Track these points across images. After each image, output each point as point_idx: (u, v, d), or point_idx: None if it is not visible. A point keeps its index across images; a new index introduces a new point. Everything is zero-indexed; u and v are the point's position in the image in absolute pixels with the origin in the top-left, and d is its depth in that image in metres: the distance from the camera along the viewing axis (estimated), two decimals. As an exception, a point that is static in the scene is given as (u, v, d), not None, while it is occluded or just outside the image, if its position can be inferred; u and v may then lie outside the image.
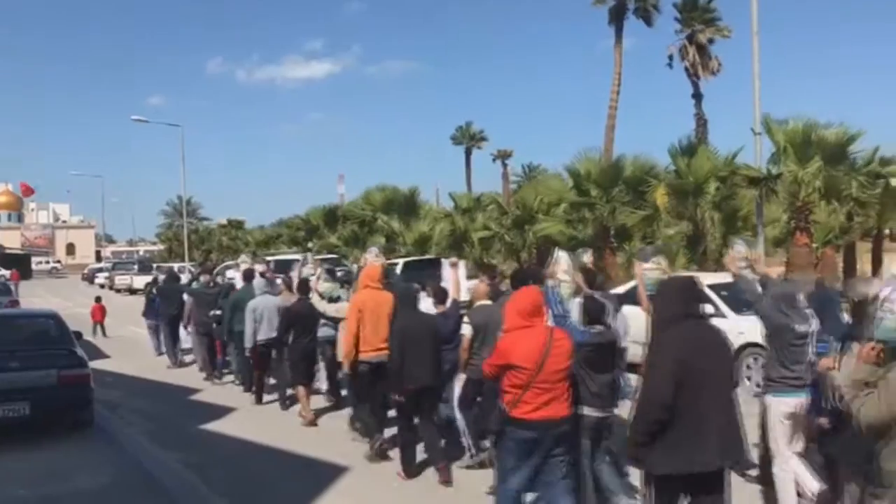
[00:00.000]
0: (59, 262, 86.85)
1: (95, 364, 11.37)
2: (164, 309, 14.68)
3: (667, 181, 19.08)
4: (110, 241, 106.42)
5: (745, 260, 6.17)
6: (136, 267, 43.31)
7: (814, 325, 5.52)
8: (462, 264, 9.77)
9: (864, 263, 21.57)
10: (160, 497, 6.87)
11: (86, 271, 60.53)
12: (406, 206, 29.42)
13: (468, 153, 65.39)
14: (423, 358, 6.78)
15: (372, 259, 9.73)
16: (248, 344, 10.54)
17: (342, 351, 8.05)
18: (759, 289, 5.96)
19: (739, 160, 17.72)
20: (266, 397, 10.71)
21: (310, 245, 36.83)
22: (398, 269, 18.28)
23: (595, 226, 19.96)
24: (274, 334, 10.13)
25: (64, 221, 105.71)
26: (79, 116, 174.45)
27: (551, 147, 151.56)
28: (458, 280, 8.45)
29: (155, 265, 36.60)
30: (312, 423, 9.33)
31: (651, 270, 6.43)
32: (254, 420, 9.78)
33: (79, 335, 10.69)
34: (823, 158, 15.88)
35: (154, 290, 15.87)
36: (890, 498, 3.59)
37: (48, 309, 12.17)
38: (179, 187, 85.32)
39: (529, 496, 5.24)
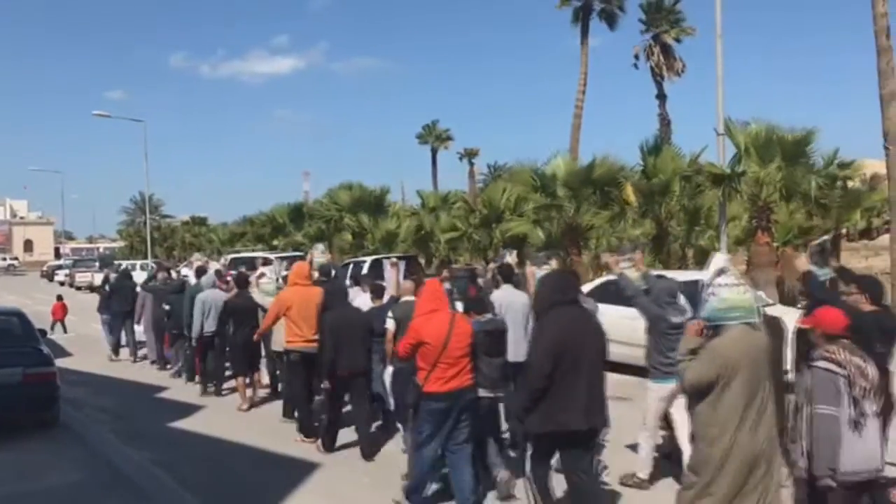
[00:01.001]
0: (16, 259, 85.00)
1: (59, 362, 11.22)
2: (116, 305, 15.06)
3: (633, 180, 19.33)
4: (70, 237, 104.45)
5: (628, 260, 6.95)
6: (97, 264, 42.66)
7: (689, 316, 5.99)
8: (401, 264, 10.57)
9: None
10: (131, 494, 6.83)
11: (45, 268, 59.41)
12: (374, 204, 29.38)
13: (434, 152, 65.53)
14: (352, 347, 7.45)
15: (318, 256, 10.95)
16: (194, 335, 11.16)
17: (281, 341, 8.80)
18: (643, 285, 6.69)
19: (703, 160, 18.02)
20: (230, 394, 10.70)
21: (275, 242, 36.61)
22: (365, 267, 18.31)
23: (562, 226, 20.13)
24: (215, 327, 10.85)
25: (21, 218, 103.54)
26: (37, 110, 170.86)
27: (517, 146, 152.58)
28: (397, 278, 9.15)
29: (116, 262, 36.08)
30: (247, 410, 10.05)
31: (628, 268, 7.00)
32: (222, 417, 9.76)
33: (43, 333, 10.58)
34: (783, 158, 16.24)
35: (107, 287, 16.11)
36: (708, 453, 4.32)
37: (12, 307, 11.98)
38: (142, 183, 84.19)
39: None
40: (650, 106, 43.74)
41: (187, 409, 10.24)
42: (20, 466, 7.78)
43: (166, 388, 11.94)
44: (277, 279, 12.26)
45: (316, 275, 10.15)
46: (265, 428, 9.03)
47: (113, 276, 16.77)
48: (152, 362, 13.87)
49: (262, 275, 10.90)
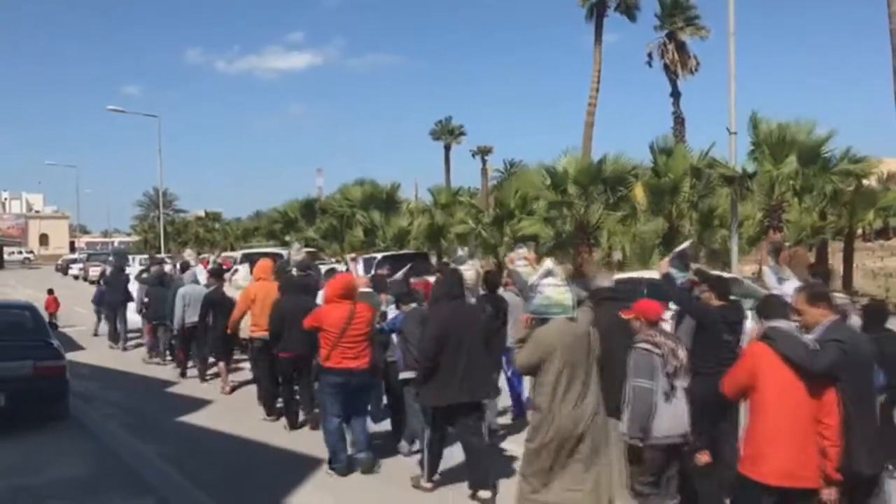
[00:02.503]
0: (31, 252, 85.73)
1: (70, 356, 11.29)
2: (109, 297, 16.19)
3: (644, 179, 19.27)
4: (85, 231, 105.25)
5: (524, 259, 7.26)
6: (111, 258, 42.89)
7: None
8: (361, 259, 11.27)
9: (836, 262, 21.94)
10: (139, 488, 6.87)
11: (59, 262, 59.82)
12: (386, 201, 29.41)
13: (447, 148, 65.49)
14: (298, 333, 7.69)
15: (294, 253, 12.05)
16: (175, 325, 12.05)
17: (249, 329, 9.53)
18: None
19: (715, 157, 17.92)
20: (238, 389, 10.74)
21: (287, 238, 36.74)
22: (375, 263, 18.31)
23: (573, 224, 20.10)
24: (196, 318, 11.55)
25: (37, 212, 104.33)
26: (53, 105, 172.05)
27: (531, 143, 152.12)
28: (356, 272, 9.71)
29: (130, 257, 36.25)
30: (230, 393, 10.86)
31: (466, 271, 7.70)
32: (231, 413, 9.79)
33: (54, 327, 10.66)
34: (797, 158, 16.13)
35: (102, 281, 17.32)
36: (538, 420, 5.16)
37: (24, 300, 12.08)
38: (156, 178, 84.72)
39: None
40: (664, 104, 43.62)
41: (196, 404, 10.29)
42: (29, 458, 7.84)
43: (175, 382, 12.00)
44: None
45: (295, 271, 11.21)
46: (271, 424, 9.05)
47: (108, 269, 17.80)
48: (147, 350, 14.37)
49: (236, 270, 11.50)
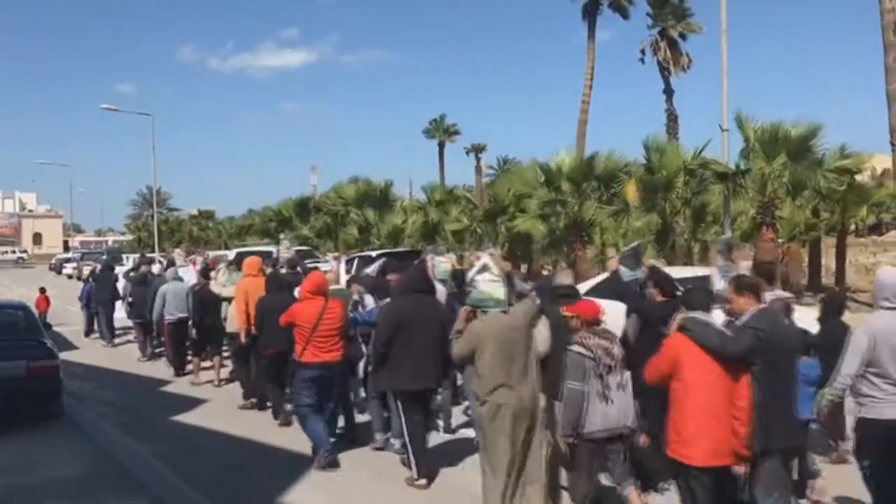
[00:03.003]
0: (25, 251, 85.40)
1: (64, 355, 11.31)
2: (97, 294, 16.62)
3: (637, 176, 19.30)
4: (78, 230, 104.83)
5: (489, 255, 7.14)
6: (105, 257, 42.80)
7: None
8: (343, 258, 11.51)
9: (828, 259, 22.02)
10: (133, 487, 6.88)
11: (53, 261, 59.64)
12: (380, 199, 29.39)
13: (441, 146, 65.51)
14: (279, 329, 7.70)
15: (283, 251, 12.42)
16: (154, 321, 12.51)
17: (235, 324, 9.75)
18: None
19: (707, 155, 17.99)
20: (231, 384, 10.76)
21: (281, 237, 36.70)
22: (355, 261, 18.33)
23: (566, 221, 20.12)
24: (180, 314, 11.91)
25: (30, 211, 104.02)
26: (46, 104, 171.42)
27: (526, 141, 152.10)
28: (338, 270, 9.88)
29: (124, 255, 36.21)
30: (218, 385, 11.31)
31: (442, 262, 8.02)
32: (225, 411, 9.79)
33: (48, 326, 10.65)
34: (788, 154, 16.18)
35: (91, 279, 17.92)
36: (481, 415, 5.39)
37: (17, 300, 12.07)
38: (149, 177, 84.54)
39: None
40: (658, 101, 43.71)
41: (190, 403, 10.29)
42: (24, 458, 7.85)
43: (170, 381, 12.01)
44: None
45: (284, 269, 11.54)
46: (266, 423, 9.06)
47: (98, 267, 18.43)
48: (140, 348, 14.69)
49: (218, 270, 11.80)
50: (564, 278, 6.69)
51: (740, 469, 4.47)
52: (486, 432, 5.33)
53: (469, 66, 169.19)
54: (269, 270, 10.67)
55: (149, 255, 28.20)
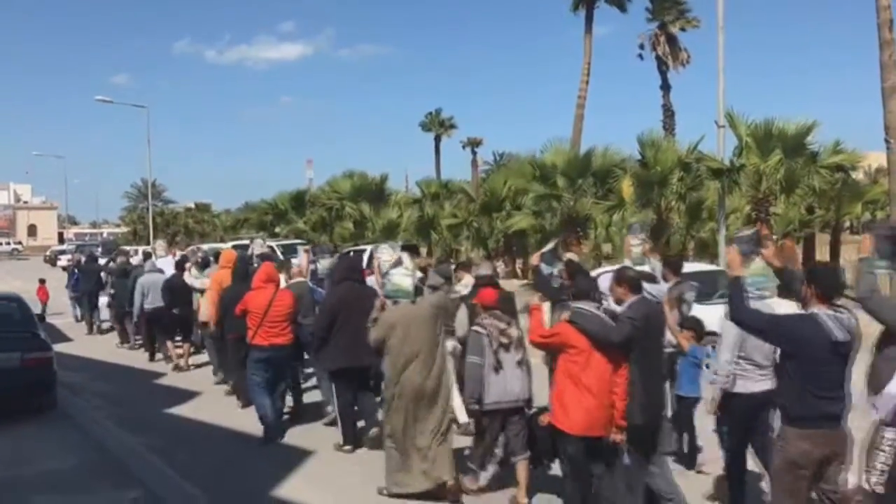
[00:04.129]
0: (20, 243, 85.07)
1: (58, 347, 11.30)
2: (83, 285, 17.36)
3: (633, 171, 19.32)
4: (73, 222, 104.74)
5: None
6: (99, 249, 42.71)
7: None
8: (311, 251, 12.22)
9: (823, 255, 22.08)
10: (126, 479, 6.89)
11: (48, 253, 59.45)
12: (375, 193, 29.37)
13: (437, 140, 65.40)
14: (238, 317, 8.37)
15: (257, 247, 13.00)
16: (135, 311, 13.17)
17: (206, 314, 10.61)
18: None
19: (704, 150, 17.99)
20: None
21: (277, 230, 36.64)
22: (365, 256, 18.33)
23: (562, 216, 20.15)
24: (156, 304, 12.44)
25: (25, 202, 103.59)
26: (41, 95, 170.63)
27: (522, 135, 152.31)
28: (307, 263, 10.37)
29: (127, 248, 36.11)
30: (187, 370, 12.05)
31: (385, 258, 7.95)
32: (219, 404, 9.81)
33: (41, 318, 10.64)
34: (783, 151, 16.21)
35: (76, 269, 18.66)
36: (390, 393, 6.07)
37: (10, 292, 12.04)
38: (145, 169, 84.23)
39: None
40: (654, 96, 43.67)
41: (184, 396, 10.31)
42: (17, 450, 7.86)
43: (163, 374, 12.02)
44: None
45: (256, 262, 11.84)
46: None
47: (83, 259, 19.17)
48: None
49: (191, 262, 12.49)
50: (484, 269, 7.46)
51: (618, 438, 5.08)
52: (392, 407, 6.03)
53: (466, 60, 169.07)
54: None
55: (124, 248, 28.55)
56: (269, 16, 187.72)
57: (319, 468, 7.12)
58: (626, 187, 18.76)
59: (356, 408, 7.62)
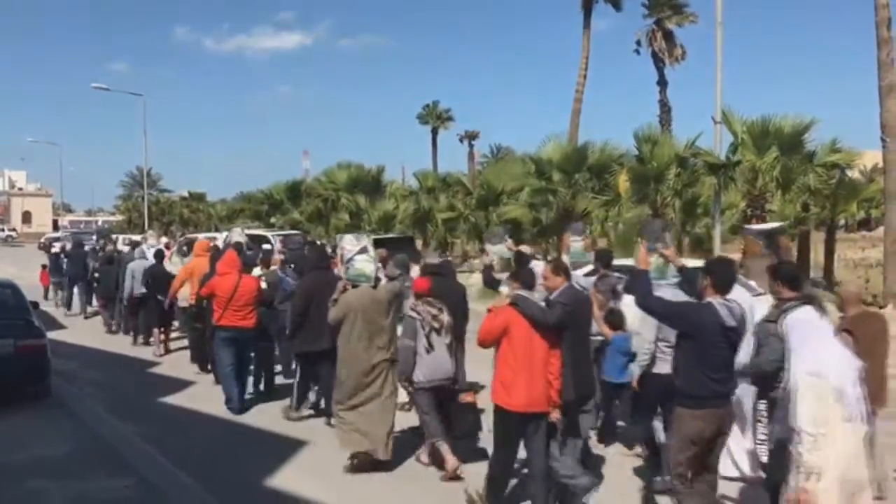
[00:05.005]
0: (14, 230, 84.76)
1: (52, 335, 11.29)
2: (70, 270, 17.88)
3: (629, 166, 19.31)
4: (68, 210, 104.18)
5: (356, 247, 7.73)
6: (94, 237, 42.54)
7: None
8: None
9: (817, 253, 22.12)
10: (119, 467, 6.90)
11: (42, 240, 59.21)
12: (371, 184, 29.31)
13: (434, 132, 65.32)
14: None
15: (236, 236, 13.37)
16: (125, 296, 13.62)
17: (186, 299, 11.32)
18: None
19: (700, 147, 17.98)
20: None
21: (272, 220, 36.56)
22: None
23: (557, 210, 20.14)
24: (142, 290, 13.07)
25: (20, 189, 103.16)
26: (37, 81, 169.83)
27: (519, 129, 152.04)
28: (278, 254, 11.22)
29: (114, 236, 35.96)
30: (163, 354, 12.56)
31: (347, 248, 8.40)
32: (212, 394, 9.75)
33: (35, 305, 10.61)
34: (780, 148, 16.22)
35: (63, 255, 19.31)
36: (343, 367, 6.69)
37: (4, 278, 12.00)
38: (141, 158, 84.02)
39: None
40: (651, 92, 43.70)
41: (178, 385, 10.30)
42: (10, 437, 7.87)
43: (158, 363, 12.01)
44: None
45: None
46: (253, 406, 9.08)
47: (69, 245, 20.11)
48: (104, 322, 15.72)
49: (172, 252, 13.40)
50: (432, 259, 8.01)
51: (555, 416, 5.47)
52: (345, 379, 6.66)
53: (464, 53, 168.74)
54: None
55: (113, 236, 29.07)
56: (269, 5, 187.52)
57: (312, 459, 7.14)
58: (623, 183, 18.76)
59: (317, 388, 8.37)
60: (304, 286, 8.13)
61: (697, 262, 8.22)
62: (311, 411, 8.47)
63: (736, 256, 17.87)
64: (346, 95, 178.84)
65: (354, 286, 6.79)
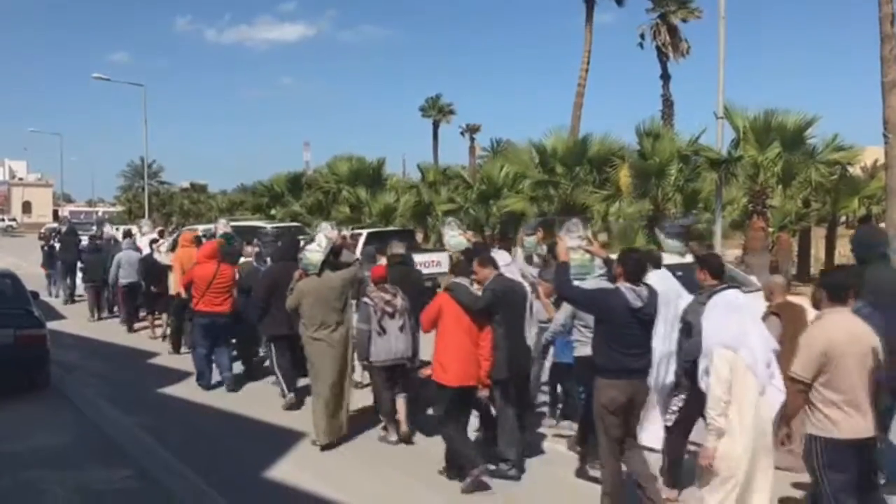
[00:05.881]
0: (14, 220, 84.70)
1: (52, 325, 11.30)
2: (62, 255, 18.32)
3: (631, 161, 19.26)
4: (69, 200, 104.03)
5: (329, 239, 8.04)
6: (94, 228, 42.48)
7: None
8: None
9: (818, 249, 22.11)
10: (118, 457, 6.92)
11: (42, 230, 59.21)
12: (372, 177, 29.21)
13: (436, 126, 65.22)
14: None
15: (221, 227, 13.95)
16: (110, 284, 14.36)
17: (175, 285, 11.66)
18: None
19: (702, 142, 17.94)
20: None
21: (273, 212, 36.48)
22: (362, 240, 18.36)
23: (559, 203, 20.10)
24: (131, 279, 13.65)
25: (20, 179, 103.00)
26: (38, 71, 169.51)
27: (520, 123, 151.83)
28: (252, 247, 11.50)
29: (114, 227, 35.92)
30: (156, 338, 13.12)
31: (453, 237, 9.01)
32: (212, 385, 9.81)
33: (35, 295, 10.60)
34: (782, 144, 16.17)
35: (57, 240, 19.82)
36: (306, 352, 7.40)
37: (4, 268, 12.00)
38: (141, 148, 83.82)
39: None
40: (654, 87, 43.59)
41: (178, 376, 10.30)
42: (8, 427, 7.87)
43: (157, 353, 12.00)
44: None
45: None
46: (252, 398, 9.10)
47: (63, 230, 20.68)
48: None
49: (160, 242, 14.03)
50: (396, 249, 8.57)
51: (485, 393, 6.19)
52: (313, 361, 7.29)
53: (466, 46, 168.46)
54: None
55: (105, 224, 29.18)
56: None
57: (311, 452, 7.14)
58: (624, 177, 18.71)
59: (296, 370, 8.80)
60: (266, 276, 8.96)
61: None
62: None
63: (737, 251, 17.87)
64: (347, 88, 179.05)
65: (307, 274, 7.42)
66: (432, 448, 6.87)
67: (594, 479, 5.87)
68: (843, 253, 23.24)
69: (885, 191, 16.88)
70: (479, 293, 6.18)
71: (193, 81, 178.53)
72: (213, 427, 8.09)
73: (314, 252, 7.47)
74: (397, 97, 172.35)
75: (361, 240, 18.66)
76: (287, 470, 6.65)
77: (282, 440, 7.43)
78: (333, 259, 7.70)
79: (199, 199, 59.87)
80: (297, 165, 51.99)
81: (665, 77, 40.20)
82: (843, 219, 24.66)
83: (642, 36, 39.69)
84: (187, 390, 9.60)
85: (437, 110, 64.74)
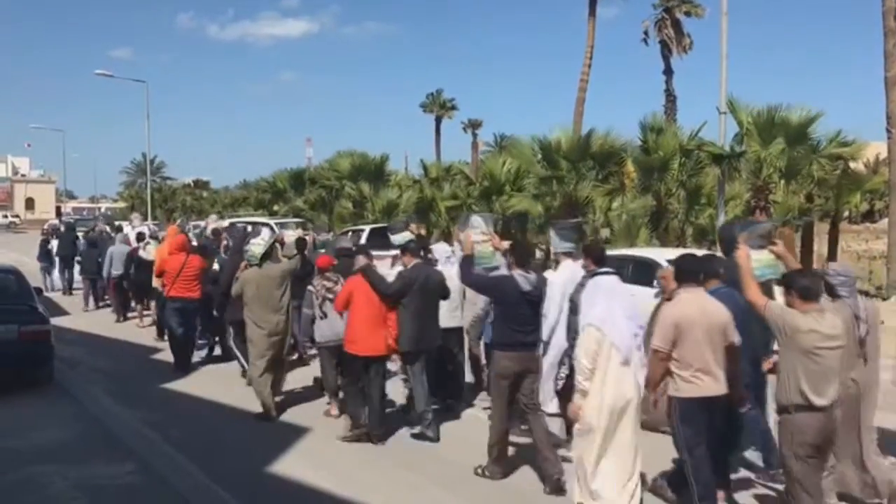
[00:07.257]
0: (17, 216, 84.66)
1: (56, 321, 11.33)
2: (59, 250, 19.13)
3: (634, 156, 19.22)
4: (71, 197, 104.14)
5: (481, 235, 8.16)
6: (98, 224, 42.46)
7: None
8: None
9: (821, 244, 22.06)
10: (121, 452, 6.92)
11: (45, 227, 59.22)
12: (375, 173, 29.18)
13: (438, 121, 65.17)
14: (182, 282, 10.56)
15: (211, 222, 14.69)
16: (104, 277, 15.15)
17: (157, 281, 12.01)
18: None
19: (704, 137, 17.89)
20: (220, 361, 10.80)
21: (275, 208, 36.51)
22: (364, 236, 18.38)
23: (562, 199, 20.07)
24: (121, 272, 14.52)
25: (23, 175, 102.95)
26: (41, 68, 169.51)
27: (522, 118, 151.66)
28: (222, 241, 12.42)
29: (116, 223, 36.00)
30: (146, 326, 13.81)
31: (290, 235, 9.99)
32: (214, 380, 9.85)
33: (39, 291, 10.62)
34: (785, 140, 16.14)
35: (55, 235, 20.58)
36: (249, 333, 8.15)
37: (8, 264, 12.02)
38: (144, 145, 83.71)
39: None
40: (657, 83, 43.55)
41: (181, 372, 10.31)
42: (12, 423, 7.89)
43: (161, 349, 11.99)
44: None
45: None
46: (253, 393, 9.06)
47: (62, 226, 21.34)
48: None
49: (147, 238, 14.41)
50: (344, 242, 9.08)
51: (393, 361, 7.59)
52: (253, 342, 8.03)
53: (469, 41, 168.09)
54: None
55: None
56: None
57: (315, 446, 7.16)
58: (631, 174, 18.68)
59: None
60: (228, 268, 9.48)
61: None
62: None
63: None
64: (350, 83, 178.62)
65: (249, 266, 8.17)
66: (431, 443, 7.00)
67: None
68: (847, 248, 23.24)
69: (888, 186, 16.89)
70: (383, 275, 7.28)
71: (196, 77, 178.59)
72: (217, 422, 8.10)
73: (257, 245, 8.20)
74: (400, 93, 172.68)
75: (364, 236, 18.74)
76: (291, 464, 6.66)
77: (286, 434, 7.44)
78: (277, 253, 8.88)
79: (202, 195, 59.87)
80: (300, 161, 51.99)
81: (668, 71, 40.18)
82: (847, 214, 24.60)
83: (646, 31, 39.66)
84: (191, 385, 9.62)
85: (438, 106, 64.69)
